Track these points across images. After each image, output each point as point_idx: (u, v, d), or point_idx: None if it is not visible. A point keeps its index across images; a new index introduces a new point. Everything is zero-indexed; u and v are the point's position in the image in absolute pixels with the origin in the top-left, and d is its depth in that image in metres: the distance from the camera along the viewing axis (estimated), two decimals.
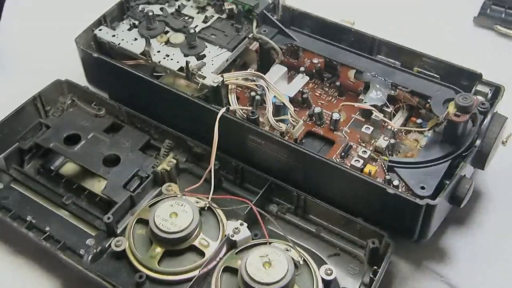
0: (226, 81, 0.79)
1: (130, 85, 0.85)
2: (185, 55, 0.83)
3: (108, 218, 0.74)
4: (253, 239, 0.74)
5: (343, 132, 0.80)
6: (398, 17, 1.05)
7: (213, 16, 0.88)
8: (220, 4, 0.88)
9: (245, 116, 0.78)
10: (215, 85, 0.78)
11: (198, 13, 0.89)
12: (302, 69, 0.86)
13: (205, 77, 0.79)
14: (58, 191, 0.81)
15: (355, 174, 0.71)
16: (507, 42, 1.02)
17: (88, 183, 0.82)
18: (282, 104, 0.78)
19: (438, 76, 0.79)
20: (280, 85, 0.82)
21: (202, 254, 0.72)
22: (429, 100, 0.77)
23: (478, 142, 0.72)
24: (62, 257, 0.72)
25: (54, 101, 0.88)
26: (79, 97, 0.88)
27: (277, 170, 0.77)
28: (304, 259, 0.71)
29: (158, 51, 0.84)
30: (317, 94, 0.85)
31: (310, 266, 0.71)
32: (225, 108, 0.76)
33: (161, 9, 0.89)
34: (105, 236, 0.76)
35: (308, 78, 0.84)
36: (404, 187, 0.72)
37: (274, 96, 0.78)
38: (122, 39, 0.87)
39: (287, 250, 0.72)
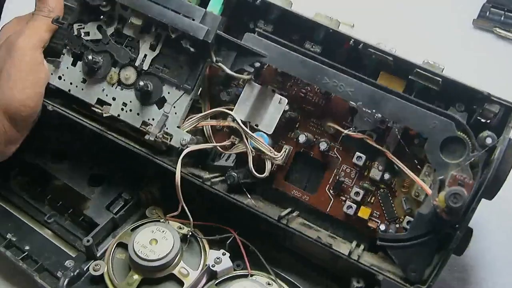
0: (196, 125, 0.73)
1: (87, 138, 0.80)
2: (143, 104, 0.73)
3: (88, 241, 0.72)
4: (235, 270, 0.72)
5: (334, 154, 0.73)
6: (397, 19, 1.03)
7: (160, 37, 0.73)
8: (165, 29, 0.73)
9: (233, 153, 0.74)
10: (184, 147, 0.71)
11: (141, 32, 0.74)
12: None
13: (172, 136, 0.72)
14: (42, 208, 0.80)
15: (344, 258, 0.68)
16: (506, 44, 1.01)
17: (74, 200, 0.80)
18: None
19: (436, 89, 0.67)
20: (256, 109, 0.73)
21: (181, 283, 0.70)
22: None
23: (490, 173, 0.63)
24: (38, 280, 0.70)
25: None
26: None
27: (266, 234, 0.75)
28: None
29: (114, 98, 0.75)
30: (302, 94, 0.75)
31: None
32: (178, 173, 0.69)
33: (99, 28, 0.75)
34: (85, 258, 0.74)
35: (287, 100, 0.73)
36: None
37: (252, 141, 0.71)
38: (71, 83, 0.76)
39: (268, 284, 0.70)
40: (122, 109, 0.75)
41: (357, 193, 0.71)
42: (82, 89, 0.76)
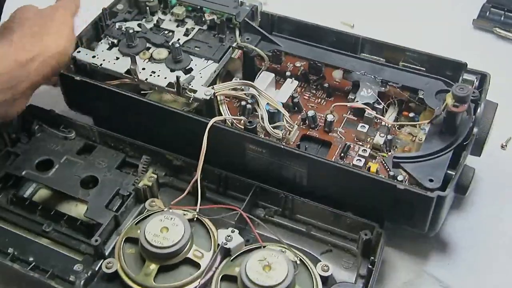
0: (216, 92, 0.78)
1: (118, 106, 0.81)
2: (172, 70, 0.81)
3: (96, 241, 0.72)
4: (245, 245, 0.73)
5: (338, 132, 0.81)
6: (397, 19, 1.05)
7: (194, 28, 0.87)
8: (200, 16, 0.86)
9: (242, 127, 0.78)
10: (207, 98, 0.77)
11: (177, 26, 0.87)
12: (288, 73, 0.86)
13: (196, 91, 0.78)
14: (35, 219, 0.78)
15: (364, 174, 0.71)
16: (506, 44, 1.03)
17: (64, 208, 0.79)
18: (276, 111, 0.78)
19: (424, 69, 0.80)
20: (269, 92, 0.81)
21: (197, 265, 0.71)
22: (420, 95, 0.78)
23: (475, 130, 0.73)
24: (55, 286, 0.69)
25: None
26: (46, 121, 0.85)
27: (279, 178, 0.77)
28: (300, 258, 0.71)
29: (143, 69, 0.82)
30: (306, 97, 0.86)
31: (307, 264, 0.71)
32: (216, 117, 0.75)
33: (139, 25, 0.87)
34: (92, 260, 0.73)
35: (297, 82, 0.84)
36: (407, 181, 0.73)
37: (267, 104, 0.78)
38: (104, 60, 0.83)
39: (282, 251, 0.72)
40: (150, 75, 0.82)
41: (364, 150, 0.77)
42: (114, 63, 0.83)
